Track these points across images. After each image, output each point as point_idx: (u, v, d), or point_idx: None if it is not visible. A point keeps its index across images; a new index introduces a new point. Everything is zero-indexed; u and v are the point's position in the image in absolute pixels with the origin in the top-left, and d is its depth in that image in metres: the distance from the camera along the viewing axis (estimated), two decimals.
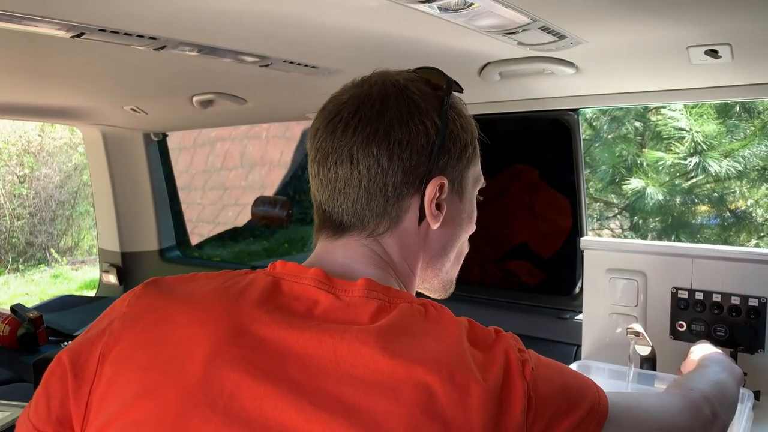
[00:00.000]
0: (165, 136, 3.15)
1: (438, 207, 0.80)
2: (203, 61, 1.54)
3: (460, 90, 0.84)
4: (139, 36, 1.29)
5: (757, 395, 1.42)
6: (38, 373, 1.98)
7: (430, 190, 0.78)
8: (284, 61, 1.57)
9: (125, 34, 1.27)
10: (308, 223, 5.95)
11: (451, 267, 0.88)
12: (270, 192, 5.56)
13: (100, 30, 1.23)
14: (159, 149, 3.16)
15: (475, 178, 0.86)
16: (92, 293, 3.81)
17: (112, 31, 1.24)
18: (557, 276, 2.18)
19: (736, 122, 4.30)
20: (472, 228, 0.89)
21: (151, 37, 1.31)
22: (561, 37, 1.29)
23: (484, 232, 2.27)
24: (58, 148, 8.09)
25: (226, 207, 5.83)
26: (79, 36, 1.24)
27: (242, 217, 5.47)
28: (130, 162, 3.12)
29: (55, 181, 8.04)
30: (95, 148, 3.12)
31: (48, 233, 8.01)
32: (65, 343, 2.62)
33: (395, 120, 0.77)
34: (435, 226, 0.80)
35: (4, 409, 1.89)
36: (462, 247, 0.89)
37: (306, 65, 1.62)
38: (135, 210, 3.20)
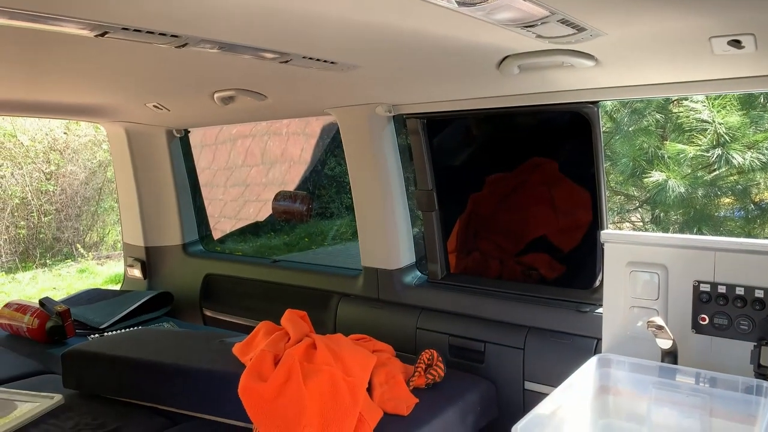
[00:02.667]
0: (187, 132, 3.19)
1: None
2: (224, 58, 1.56)
3: None
4: (161, 34, 1.31)
5: None
6: (66, 365, 2.04)
7: None
8: (303, 57, 1.58)
9: (148, 32, 1.29)
10: (328, 217, 5.99)
11: None
12: (290, 187, 5.60)
13: (123, 29, 1.26)
14: (181, 145, 3.21)
15: None
16: (118, 287, 3.88)
17: (134, 30, 1.27)
18: (577, 269, 2.17)
19: (760, 113, 4.23)
20: None
21: (173, 35, 1.33)
22: (580, 29, 1.28)
23: (503, 226, 2.27)
24: (83, 146, 8.23)
25: (248, 203, 5.88)
26: (102, 35, 1.27)
27: (263, 212, 5.51)
28: (153, 158, 3.17)
29: (80, 178, 8.19)
30: (119, 145, 3.18)
31: (74, 229, 8.15)
32: (92, 335, 2.67)
33: None
34: None
35: (34, 400, 1.94)
36: None
37: (325, 61, 1.63)
38: (158, 205, 3.25)
